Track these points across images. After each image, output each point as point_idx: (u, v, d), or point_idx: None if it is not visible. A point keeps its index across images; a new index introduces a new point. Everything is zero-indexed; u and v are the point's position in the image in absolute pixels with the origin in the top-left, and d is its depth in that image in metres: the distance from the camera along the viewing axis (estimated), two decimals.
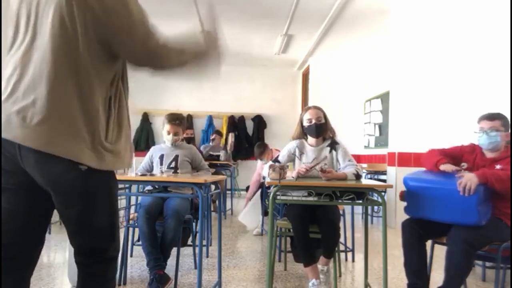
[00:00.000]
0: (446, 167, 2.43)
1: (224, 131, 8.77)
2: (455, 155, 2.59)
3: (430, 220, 2.33)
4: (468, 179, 2.19)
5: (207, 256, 3.58)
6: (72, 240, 1.36)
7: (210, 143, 6.72)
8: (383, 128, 6.84)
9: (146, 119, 8.79)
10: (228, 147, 6.29)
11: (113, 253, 1.40)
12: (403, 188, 2.48)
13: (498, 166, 2.37)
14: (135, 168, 2.76)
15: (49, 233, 4.20)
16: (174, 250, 2.79)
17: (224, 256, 3.57)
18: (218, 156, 6.35)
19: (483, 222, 2.18)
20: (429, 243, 2.46)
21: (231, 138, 6.69)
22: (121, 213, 2.88)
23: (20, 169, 1.25)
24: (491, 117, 2.46)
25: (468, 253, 2.14)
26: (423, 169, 2.62)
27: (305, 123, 2.80)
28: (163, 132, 3.20)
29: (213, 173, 4.35)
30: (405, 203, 2.46)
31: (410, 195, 2.42)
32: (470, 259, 2.17)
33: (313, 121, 2.76)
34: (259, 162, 5.08)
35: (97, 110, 1.26)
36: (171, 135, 3.16)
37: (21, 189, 1.28)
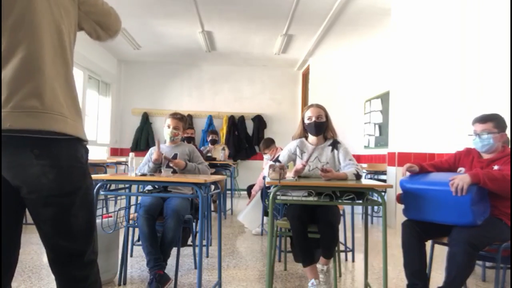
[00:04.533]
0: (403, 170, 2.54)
1: (224, 131, 8.78)
2: (451, 162, 2.60)
3: (428, 221, 2.34)
4: (460, 179, 2.20)
5: (207, 256, 3.58)
6: (46, 244, 1.30)
7: (209, 145, 6.73)
8: (383, 128, 6.84)
9: (146, 119, 8.78)
10: (222, 157, 6.29)
11: (91, 257, 1.34)
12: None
13: (496, 167, 2.37)
14: (135, 168, 2.76)
15: None
16: (174, 250, 2.79)
17: (224, 256, 3.57)
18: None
19: (478, 222, 2.18)
20: (429, 243, 2.46)
21: (226, 150, 6.71)
22: (121, 213, 2.88)
23: None
24: (483, 119, 2.46)
25: (470, 254, 2.14)
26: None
27: (306, 121, 2.82)
28: (164, 128, 3.22)
29: (213, 173, 4.36)
30: (403, 205, 2.47)
31: (406, 197, 2.43)
32: (472, 260, 2.17)
33: (313, 119, 2.77)
34: (264, 159, 5.19)
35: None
36: (171, 128, 3.18)
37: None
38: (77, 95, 1.37)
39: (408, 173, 2.52)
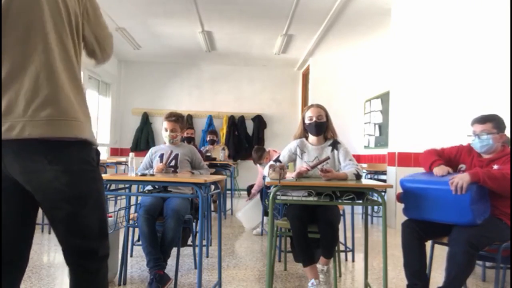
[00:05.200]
0: (439, 170, 2.42)
1: (224, 131, 8.78)
2: (453, 156, 2.59)
3: (428, 220, 2.34)
4: (460, 178, 2.20)
5: (207, 256, 3.58)
6: (61, 242, 1.35)
7: (208, 145, 6.73)
8: (383, 128, 6.84)
9: (146, 119, 8.78)
10: (222, 157, 6.28)
11: (105, 251, 1.40)
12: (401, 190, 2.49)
13: (495, 166, 2.37)
14: (135, 168, 2.76)
15: (49, 233, 4.22)
16: (174, 250, 2.79)
17: (224, 256, 3.57)
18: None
19: (478, 221, 2.18)
20: (429, 243, 2.46)
21: (226, 150, 6.73)
22: (121, 213, 2.88)
23: (4, 175, 1.25)
24: (482, 120, 2.45)
25: (470, 254, 2.14)
26: (421, 170, 2.63)
27: (306, 121, 2.81)
28: (162, 131, 3.23)
29: (213, 173, 4.35)
30: (403, 204, 2.47)
31: (406, 196, 2.43)
32: (472, 260, 2.17)
33: (314, 119, 2.77)
34: (259, 166, 4.98)
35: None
36: (168, 131, 3.18)
37: (6, 195, 1.28)
38: (85, 96, 1.39)
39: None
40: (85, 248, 1.35)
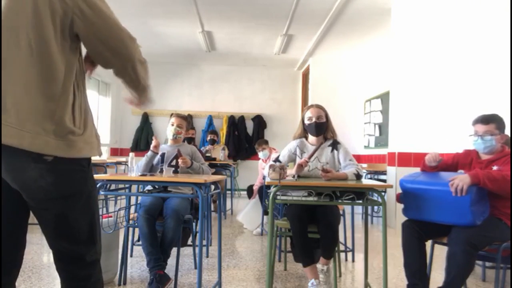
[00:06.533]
0: (428, 157, 2.50)
1: (224, 131, 8.78)
2: (450, 163, 2.59)
3: (428, 221, 2.34)
4: (460, 180, 2.20)
5: (207, 256, 3.58)
6: (50, 245, 1.31)
7: (208, 145, 6.74)
8: (383, 128, 6.84)
9: (146, 119, 8.79)
10: (222, 157, 6.29)
11: (94, 257, 1.35)
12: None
13: (495, 167, 2.37)
14: (135, 168, 2.76)
15: None
16: (174, 250, 2.79)
17: (224, 256, 3.57)
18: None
19: (477, 222, 2.19)
20: (429, 243, 2.46)
21: (226, 150, 6.74)
22: (121, 213, 2.88)
23: None
24: (485, 120, 2.44)
25: (470, 254, 2.14)
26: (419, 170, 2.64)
27: (306, 121, 2.81)
28: (168, 127, 3.28)
29: (213, 173, 4.36)
30: (403, 204, 2.47)
31: (406, 197, 2.43)
32: (471, 260, 2.17)
33: (314, 120, 2.77)
34: (260, 158, 5.26)
35: (63, 95, 1.21)
36: (174, 126, 3.23)
37: None
38: (64, 106, 1.21)
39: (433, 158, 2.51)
40: (72, 252, 1.30)
